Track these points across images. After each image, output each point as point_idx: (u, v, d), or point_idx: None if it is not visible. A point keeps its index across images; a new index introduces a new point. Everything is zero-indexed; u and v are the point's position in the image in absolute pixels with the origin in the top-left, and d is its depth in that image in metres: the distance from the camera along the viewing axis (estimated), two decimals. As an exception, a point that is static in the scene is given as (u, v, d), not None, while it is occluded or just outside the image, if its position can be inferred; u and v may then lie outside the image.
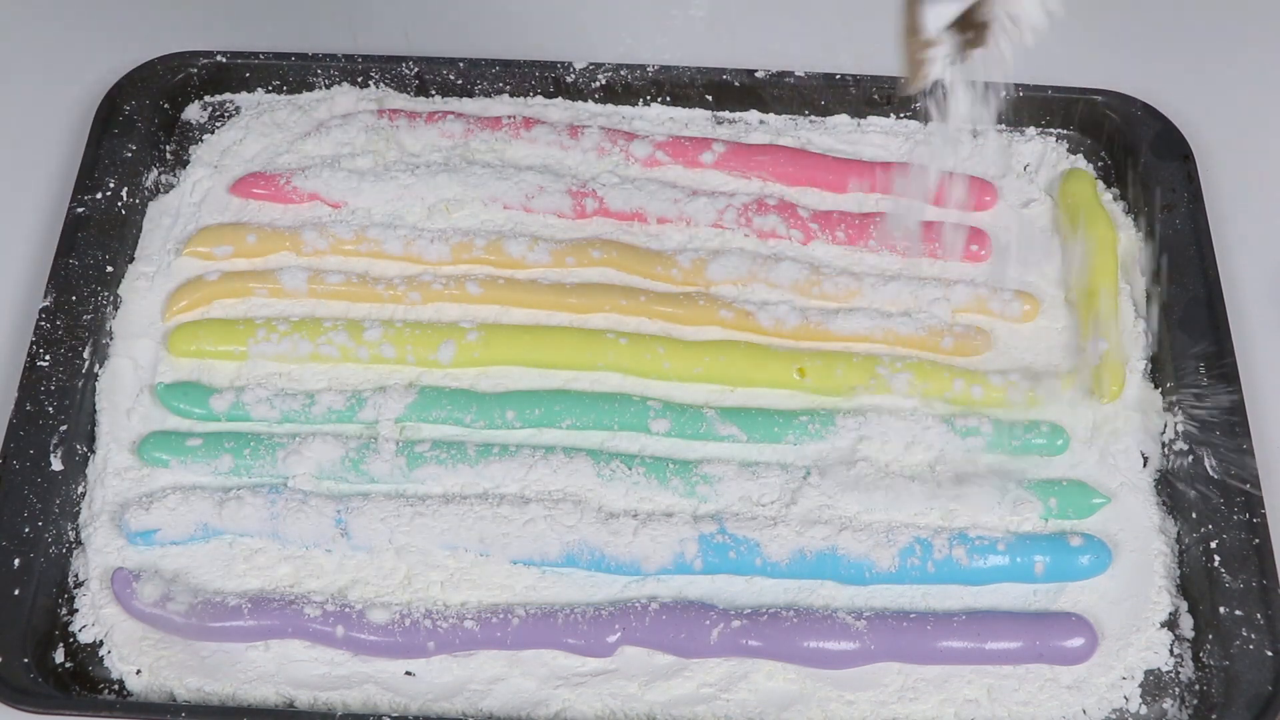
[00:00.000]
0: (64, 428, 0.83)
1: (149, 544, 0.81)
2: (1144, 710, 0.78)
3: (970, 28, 0.59)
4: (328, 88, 1.01)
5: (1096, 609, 0.80)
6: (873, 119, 1.01)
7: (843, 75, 1.01)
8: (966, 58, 0.59)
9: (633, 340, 0.88)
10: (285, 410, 0.86)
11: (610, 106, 1.02)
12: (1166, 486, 0.85)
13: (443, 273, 0.92)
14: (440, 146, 0.99)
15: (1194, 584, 0.81)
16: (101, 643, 0.78)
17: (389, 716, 0.74)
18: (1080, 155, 1.00)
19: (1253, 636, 0.77)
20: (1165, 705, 0.78)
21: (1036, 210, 0.97)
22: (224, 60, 1.01)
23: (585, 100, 1.02)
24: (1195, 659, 0.79)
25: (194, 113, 1.01)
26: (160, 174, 0.97)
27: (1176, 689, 0.78)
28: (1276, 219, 0.99)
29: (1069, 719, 0.77)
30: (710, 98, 1.01)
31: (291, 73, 1.01)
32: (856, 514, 0.83)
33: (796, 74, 1.00)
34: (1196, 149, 0.97)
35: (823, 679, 0.77)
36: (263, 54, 1.01)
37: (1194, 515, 0.82)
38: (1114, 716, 0.77)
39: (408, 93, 1.01)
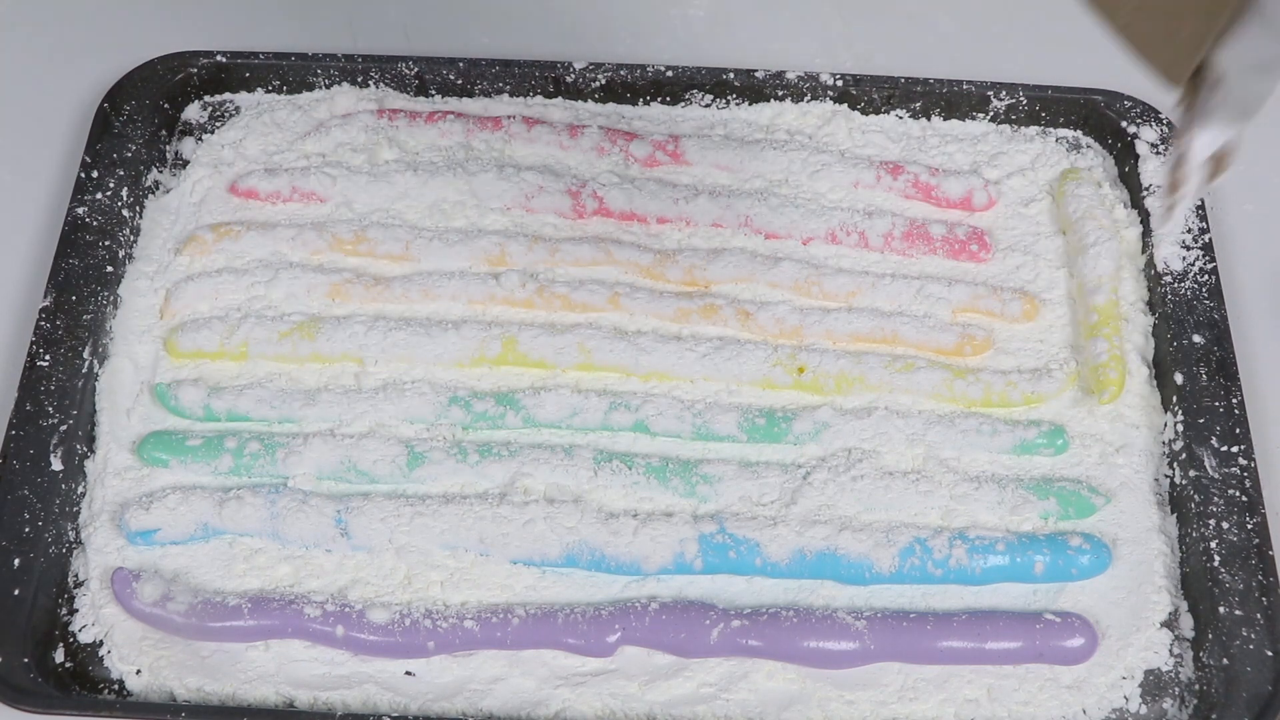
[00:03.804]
0: (64, 428, 0.83)
1: (149, 544, 0.81)
2: (1144, 710, 0.78)
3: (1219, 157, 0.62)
4: (328, 88, 1.01)
5: (1096, 609, 0.80)
6: (873, 119, 1.01)
7: (842, 75, 1.01)
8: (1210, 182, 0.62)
9: (632, 340, 0.89)
10: (285, 410, 0.86)
11: (610, 106, 1.02)
12: (1166, 486, 0.85)
13: (443, 272, 0.92)
14: (440, 146, 0.99)
15: (1194, 584, 0.81)
16: (101, 643, 0.78)
17: (389, 716, 0.74)
18: (1080, 155, 1.00)
19: (1253, 636, 0.77)
20: (1165, 705, 0.78)
21: (1036, 210, 0.97)
22: (224, 60, 1.01)
23: (585, 100, 1.02)
24: (1195, 659, 0.79)
25: (194, 113, 1.01)
26: (160, 174, 0.97)
27: (1176, 689, 0.78)
28: (1276, 219, 0.99)
29: (1069, 719, 0.77)
30: (710, 98, 1.02)
31: (291, 73, 1.01)
32: (856, 514, 0.83)
33: (796, 74, 1.01)
34: (1196, 149, 0.97)
35: (823, 679, 0.77)
36: (263, 54, 1.01)
37: (1194, 515, 0.82)
38: (1114, 716, 0.77)
39: (408, 93, 1.01)
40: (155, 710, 0.75)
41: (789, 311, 0.90)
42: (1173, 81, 0.55)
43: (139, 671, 0.77)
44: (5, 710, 0.74)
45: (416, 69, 1.01)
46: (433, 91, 1.02)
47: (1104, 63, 1.07)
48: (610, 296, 0.91)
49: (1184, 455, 0.84)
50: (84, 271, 0.89)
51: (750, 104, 1.01)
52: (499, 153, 0.98)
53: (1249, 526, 0.81)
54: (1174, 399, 0.86)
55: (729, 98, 1.01)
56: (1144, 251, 0.94)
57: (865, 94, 1.01)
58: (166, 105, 0.99)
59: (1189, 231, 0.93)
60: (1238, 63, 0.53)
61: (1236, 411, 0.85)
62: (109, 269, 0.90)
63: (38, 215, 0.96)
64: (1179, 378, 0.87)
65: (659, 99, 1.02)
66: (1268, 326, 0.93)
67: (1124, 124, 0.98)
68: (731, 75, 1.01)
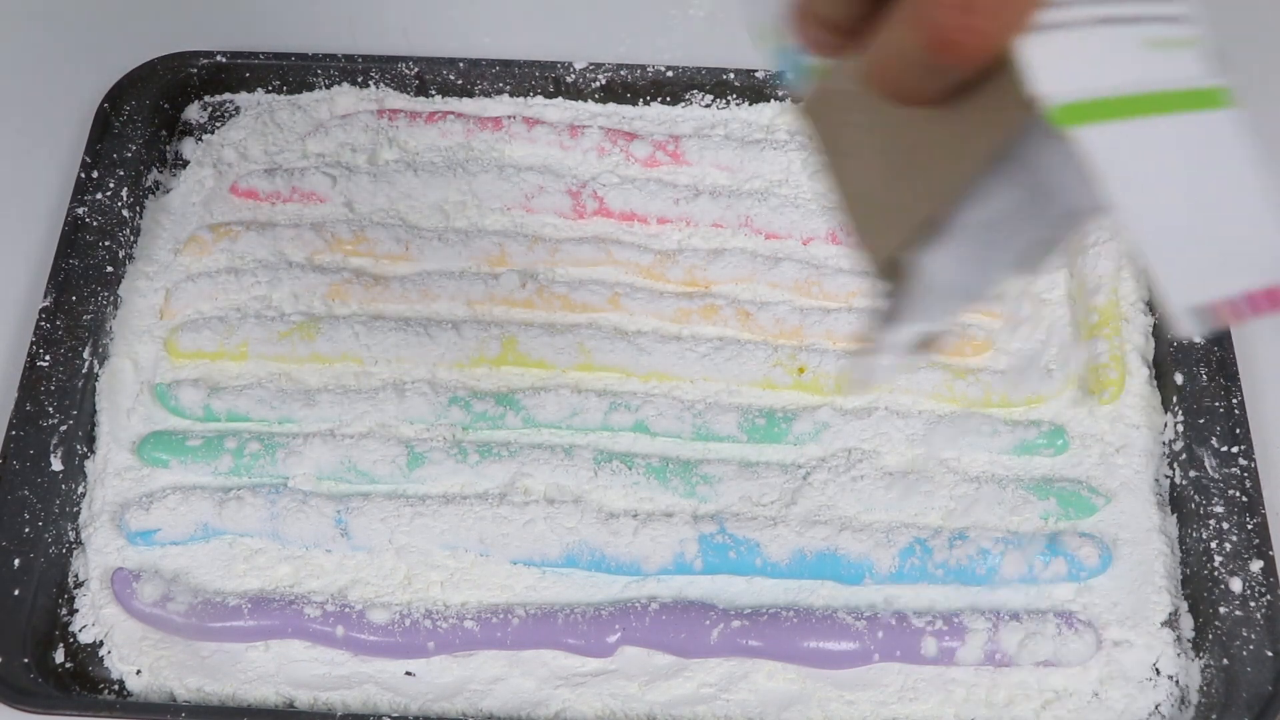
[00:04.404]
0: (64, 428, 0.83)
1: (149, 544, 0.81)
2: (1145, 710, 0.77)
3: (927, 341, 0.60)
4: (328, 88, 1.01)
5: (1096, 609, 0.80)
6: (873, 119, 1.01)
7: (843, 75, 1.00)
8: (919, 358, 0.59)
9: (632, 340, 0.88)
10: (285, 410, 0.86)
11: (610, 106, 1.02)
12: (1166, 486, 0.85)
13: (443, 272, 0.92)
14: (440, 147, 0.99)
15: (1194, 584, 0.81)
16: (101, 643, 0.78)
17: (389, 716, 0.74)
18: (1080, 155, 1.00)
19: (1253, 636, 0.77)
20: (1165, 705, 0.78)
21: (1036, 210, 0.97)
22: (224, 60, 1.01)
23: (585, 100, 1.02)
24: (1195, 659, 0.79)
25: (194, 113, 1.01)
26: (160, 174, 0.97)
27: (1176, 689, 0.78)
28: (1276, 219, 0.99)
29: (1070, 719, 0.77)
30: (710, 98, 1.02)
31: (291, 73, 1.01)
32: (856, 514, 0.83)
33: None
34: (1196, 149, 0.97)
35: (823, 679, 0.77)
36: (263, 54, 1.01)
37: (1194, 515, 0.82)
38: (1115, 717, 0.77)
39: (408, 93, 1.01)
40: (155, 710, 0.75)
41: (789, 311, 0.90)
42: (875, 275, 0.53)
43: (139, 671, 0.77)
44: (5, 710, 0.74)
45: (416, 69, 1.01)
46: (433, 91, 1.02)
47: (1104, 63, 1.08)
48: (610, 296, 0.91)
49: (1184, 455, 0.84)
50: (84, 271, 0.89)
51: (750, 104, 1.01)
52: (499, 153, 0.98)
53: (1249, 526, 0.81)
54: (1174, 399, 0.86)
55: (729, 98, 1.01)
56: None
57: (865, 94, 1.01)
58: (166, 105, 0.99)
59: (1189, 231, 0.93)
60: (932, 278, 0.50)
61: (1236, 411, 0.85)
62: (109, 269, 0.90)
63: (38, 215, 0.96)
64: (1179, 378, 0.87)
65: (659, 99, 1.02)
66: (1268, 326, 0.93)
67: (1124, 124, 0.98)
68: (731, 75, 1.01)
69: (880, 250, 0.51)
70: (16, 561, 0.79)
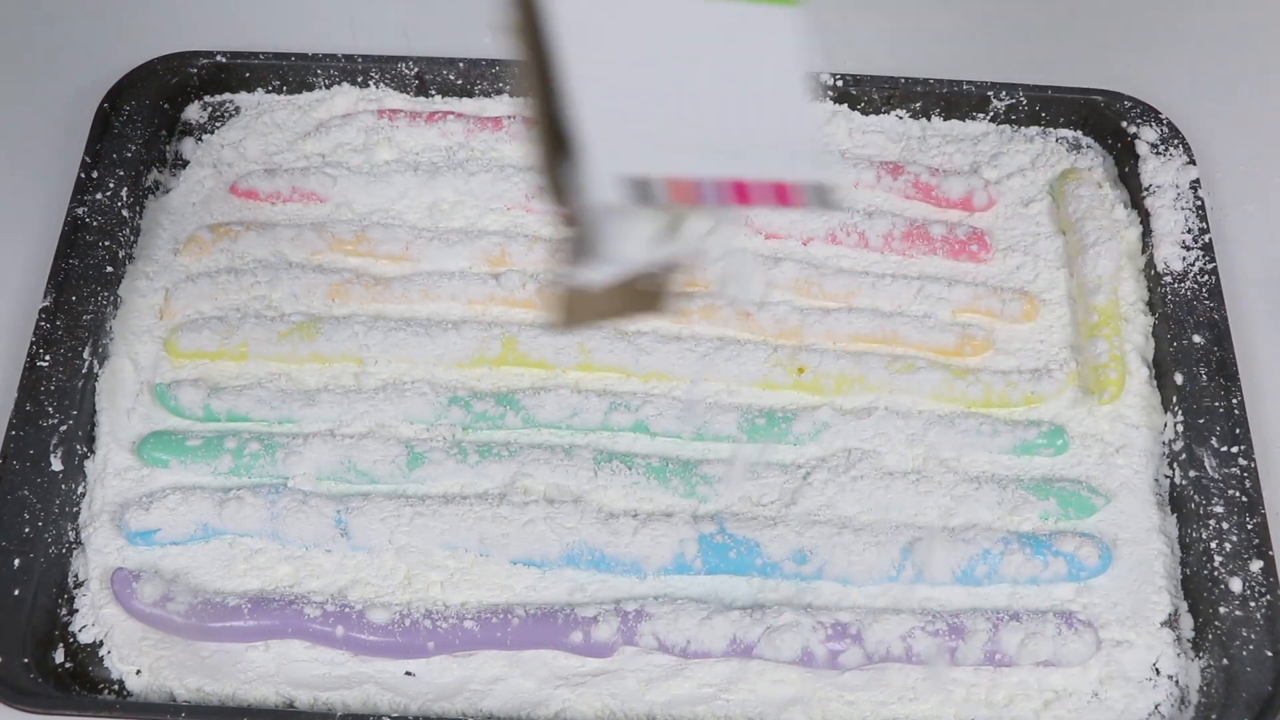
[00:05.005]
0: (64, 428, 0.83)
1: (149, 544, 0.81)
2: (1145, 710, 0.77)
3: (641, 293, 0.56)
4: (328, 88, 1.01)
5: (1096, 609, 0.80)
6: (873, 119, 1.01)
7: (842, 75, 1.01)
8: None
9: (632, 340, 0.88)
10: (285, 411, 0.86)
11: (610, 106, 1.02)
12: (1166, 486, 0.85)
13: (443, 272, 0.92)
14: (440, 147, 0.99)
15: (1194, 584, 0.81)
16: (101, 643, 0.78)
17: (389, 716, 0.74)
18: (1080, 155, 1.00)
19: (1253, 636, 0.77)
20: (1165, 705, 0.78)
21: (1036, 210, 0.97)
22: (224, 60, 1.01)
23: (585, 100, 1.02)
24: (1195, 659, 0.79)
25: (194, 113, 1.01)
26: (160, 174, 0.97)
27: (1176, 689, 0.78)
28: (1276, 219, 0.99)
29: (1070, 719, 0.77)
30: (710, 98, 1.01)
31: (291, 73, 1.01)
32: (856, 514, 0.83)
33: (796, 74, 1.00)
34: (1196, 149, 0.97)
35: (823, 679, 0.77)
36: (263, 54, 1.01)
37: (1194, 515, 0.82)
38: (1115, 717, 0.77)
39: (407, 93, 1.01)
40: (155, 710, 0.75)
41: (789, 311, 0.90)
42: (552, 203, 0.53)
43: (139, 671, 0.77)
44: (5, 710, 0.74)
45: (416, 69, 1.01)
46: (433, 91, 1.02)
47: (1104, 63, 1.08)
48: (610, 296, 0.91)
49: (1184, 455, 0.84)
50: (84, 271, 0.89)
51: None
52: (499, 153, 0.98)
53: (1249, 526, 0.81)
54: (1174, 399, 0.86)
55: (729, 98, 1.01)
56: (1144, 251, 0.94)
57: (865, 94, 1.01)
58: (166, 105, 0.99)
59: (1189, 232, 0.93)
60: (590, 197, 0.49)
61: (1236, 411, 0.85)
62: (109, 269, 0.90)
63: (38, 215, 0.96)
64: (1179, 378, 0.87)
65: (659, 99, 1.02)
66: (1268, 326, 0.93)
67: (1124, 124, 0.98)
68: (731, 75, 1.01)
69: (545, 171, 0.50)
70: (16, 561, 0.79)
